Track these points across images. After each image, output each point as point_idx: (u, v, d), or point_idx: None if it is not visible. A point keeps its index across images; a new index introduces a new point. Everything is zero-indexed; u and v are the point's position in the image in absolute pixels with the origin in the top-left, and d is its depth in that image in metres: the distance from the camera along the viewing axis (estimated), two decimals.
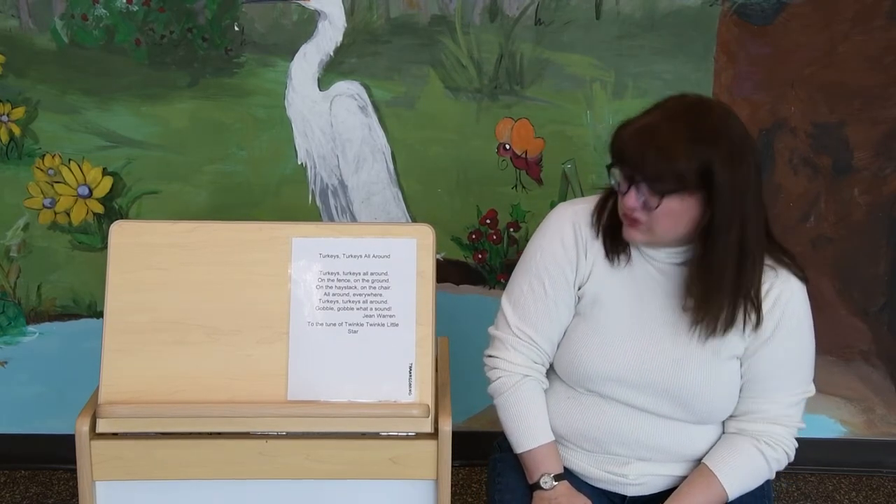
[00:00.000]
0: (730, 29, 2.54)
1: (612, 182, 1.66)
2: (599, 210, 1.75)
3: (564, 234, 1.76)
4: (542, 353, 1.80)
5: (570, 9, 2.52)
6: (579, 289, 1.76)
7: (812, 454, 2.78)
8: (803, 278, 1.74)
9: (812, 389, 1.78)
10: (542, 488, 1.75)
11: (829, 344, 2.76)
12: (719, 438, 1.78)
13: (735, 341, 1.71)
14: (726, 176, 1.56)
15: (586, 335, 1.75)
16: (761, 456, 1.74)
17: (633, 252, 1.74)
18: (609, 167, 1.66)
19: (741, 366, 1.74)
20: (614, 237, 1.72)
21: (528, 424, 1.78)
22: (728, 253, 1.61)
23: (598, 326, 1.74)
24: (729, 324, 1.67)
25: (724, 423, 1.79)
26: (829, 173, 2.65)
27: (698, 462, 1.77)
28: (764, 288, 1.69)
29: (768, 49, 2.55)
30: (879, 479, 2.82)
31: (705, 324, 1.67)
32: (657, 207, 1.59)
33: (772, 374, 1.73)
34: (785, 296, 1.71)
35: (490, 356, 1.83)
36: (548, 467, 1.76)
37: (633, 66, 2.54)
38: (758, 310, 1.68)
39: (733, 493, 1.73)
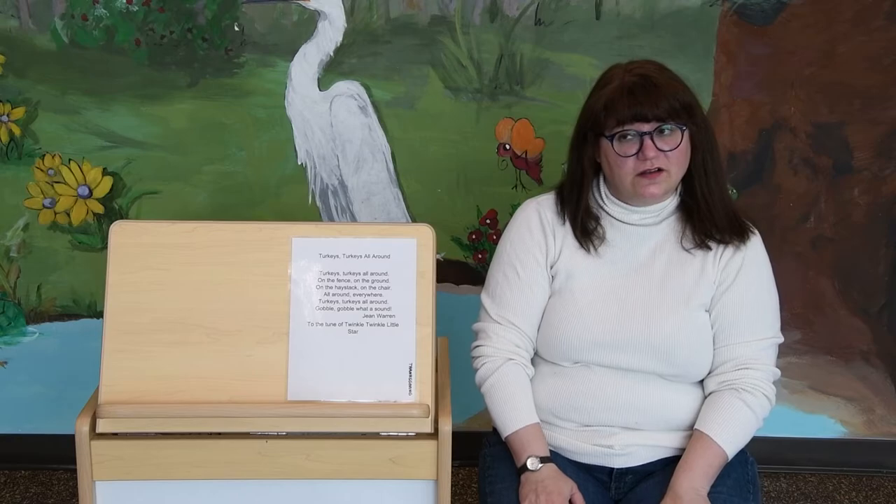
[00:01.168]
0: (730, 29, 2.54)
1: (611, 153, 1.77)
2: (561, 201, 1.87)
3: (531, 222, 1.88)
4: (523, 335, 1.86)
5: (570, 9, 2.52)
6: (551, 267, 1.85)
7: (812, 454, 2.79)
8: (754, 231, 1.88)
9: (780, 337, 1.86)
10: (528, 470, 1.77)
11: (829, 344, 2.76)
12: (702, 403, 1.83)
13: (703, 289, 1.81)
14: (701, 114, 1.80)
15: (563, 307, 1.83)
16: (743, 404, 1.78)
17: (606, 224, 1.84)
18: (610, 138, 1.76)
19: (710, 316, 1.82)
20: (585, 227, 1.83)
21: (513, 407, 1.82)
22: (713, 177, 1.81)
23: (573, 297, 1.82)
24: (732, 234, 1.83)
25: (703, 384, 1.84)
26: (829, 173, 2.65)
27: (684, 431, 1.82)
28: (727, 237, 1.83)
29: (768, 49, 2.55)
30: (879, 479, 2.82)
31: (700, 236, 1.82)
32: (680, 143, 1.75)
33: (738, 319, 1.81)
34: (745, 244, 1.83)
35: (475, 347, 1.90)
36: (534, 449, 1.79)
37: None
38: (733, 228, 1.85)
39: (730, 449, 1.78)
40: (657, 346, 1.78)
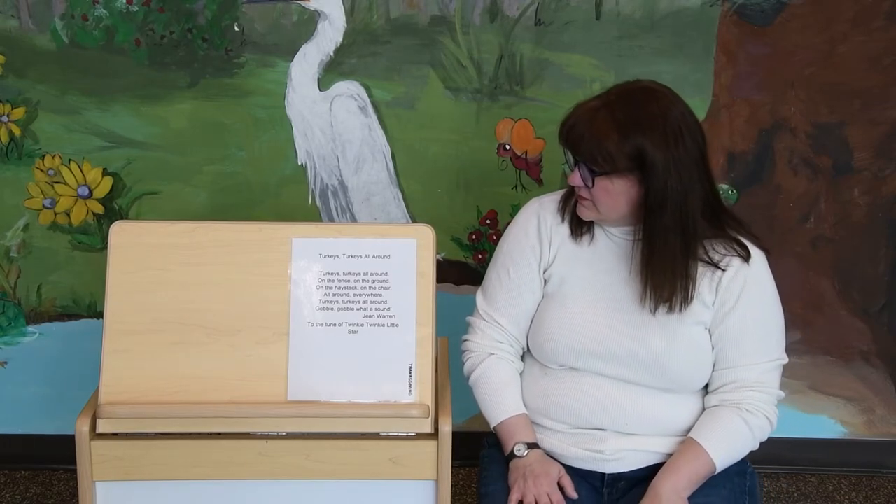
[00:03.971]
0: (730, 29, 2.54)
1: (565, 161, 1.77)
2: (567, 195, 1.85)
3: (528, 225, 1.87)
4: (506, 334, 1.88)
5: (570, 9, 2.52)
6: (545, 272, 1.85)
7: (812, 454, 2.79)
8: (763, 248, 1.81)
9: (785, 357, 1.84)
10: (515, 456, 1.78)
11: (829, 344, 2.76)
12: (699, 411, 1.82)
13: (698, 308, 1.77)
14: (659, 157, 1.66)
15: (554, 312, 1.82)
16: (744, 423, 1.77)
17: (597, 230, 1.83)
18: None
19: (711, 336, 1.80)
20: (579, 218, 1.82)
21: (497, 398, 1.85)
22: (668, 230, 1.70)
23: (564, 303, 1.82)
24: (684, 301, 1.74)
25: (704, 398, 1.83)
26: (829, 174, 2.65)
27: (676, 437, 1.81)
28: (726, 259, 1.77)
29: (768, 49, 2.55)
30: (879, 479, 2.82)
31: (653, 300, 1.74)
32: (592, 186, 1.71)
33: (742, 342, 1.79)
34: (747, 264, 1.77)
35: (463, 341, 1.92)
36: (520, 436, 1.80)
37: (633, 67, 2.54)
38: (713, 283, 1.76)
39: (721, 463, 1.77)
40: (646, 361, 1.77)
